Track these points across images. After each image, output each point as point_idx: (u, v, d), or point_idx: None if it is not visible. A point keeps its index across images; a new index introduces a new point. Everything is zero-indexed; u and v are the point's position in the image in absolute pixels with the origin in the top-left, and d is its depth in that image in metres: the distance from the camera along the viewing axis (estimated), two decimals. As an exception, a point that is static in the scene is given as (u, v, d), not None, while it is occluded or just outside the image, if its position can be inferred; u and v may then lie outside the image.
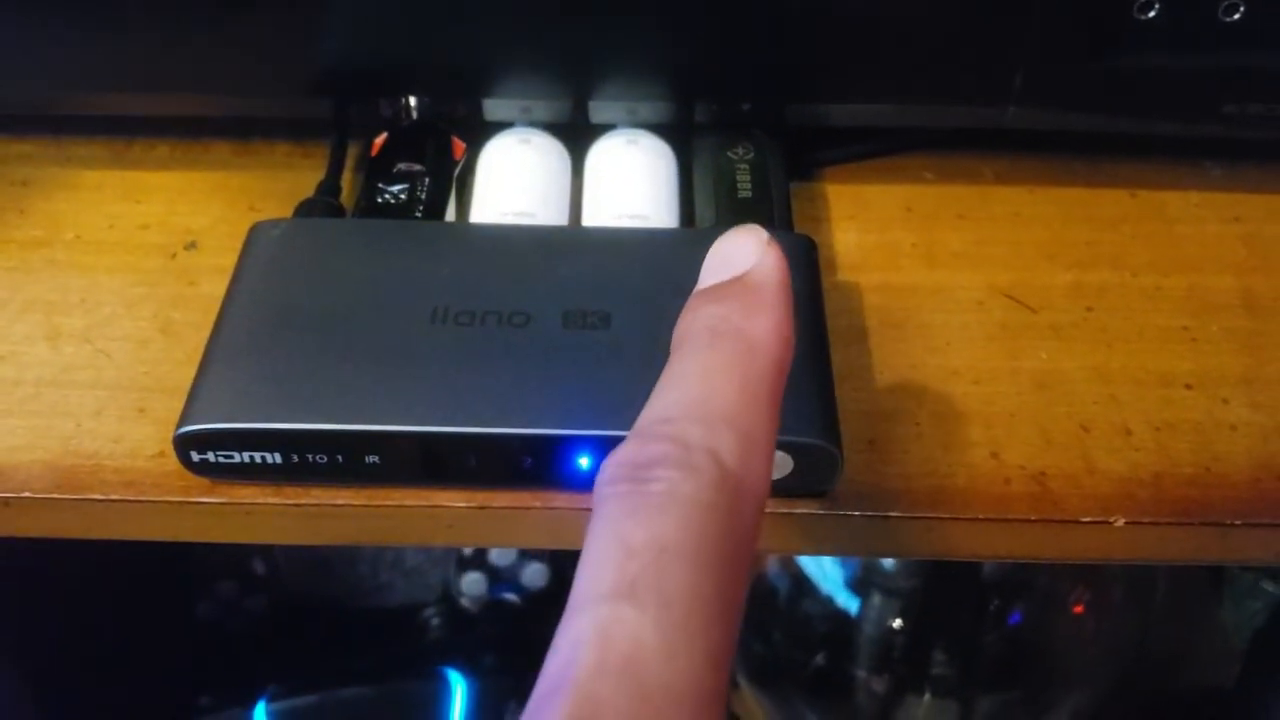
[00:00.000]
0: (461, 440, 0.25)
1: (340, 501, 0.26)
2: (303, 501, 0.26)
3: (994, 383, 0.29)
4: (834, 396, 0.26)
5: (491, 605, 0.58)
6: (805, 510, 0.26)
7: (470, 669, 0.53)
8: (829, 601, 0.51)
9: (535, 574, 0.58)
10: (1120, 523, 0.26)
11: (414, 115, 0.33)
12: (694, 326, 0.20)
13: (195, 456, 0.26)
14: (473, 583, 0.57)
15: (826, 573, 0.51)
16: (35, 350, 0.29)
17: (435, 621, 0.56)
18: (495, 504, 0.26)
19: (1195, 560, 0.28)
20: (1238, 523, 0.26)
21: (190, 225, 0.33)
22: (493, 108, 0.33)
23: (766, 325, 0.20)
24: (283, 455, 0.26)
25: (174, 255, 0.32)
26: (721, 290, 0.21)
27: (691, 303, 0.21)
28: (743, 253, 0.21)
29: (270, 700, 0.52)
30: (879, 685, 0.50)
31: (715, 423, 0.18)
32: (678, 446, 0.18)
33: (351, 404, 0.25)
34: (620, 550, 0.16)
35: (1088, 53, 0.31)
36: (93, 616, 0.51)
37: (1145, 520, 0.26)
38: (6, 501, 0.27)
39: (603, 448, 0.25)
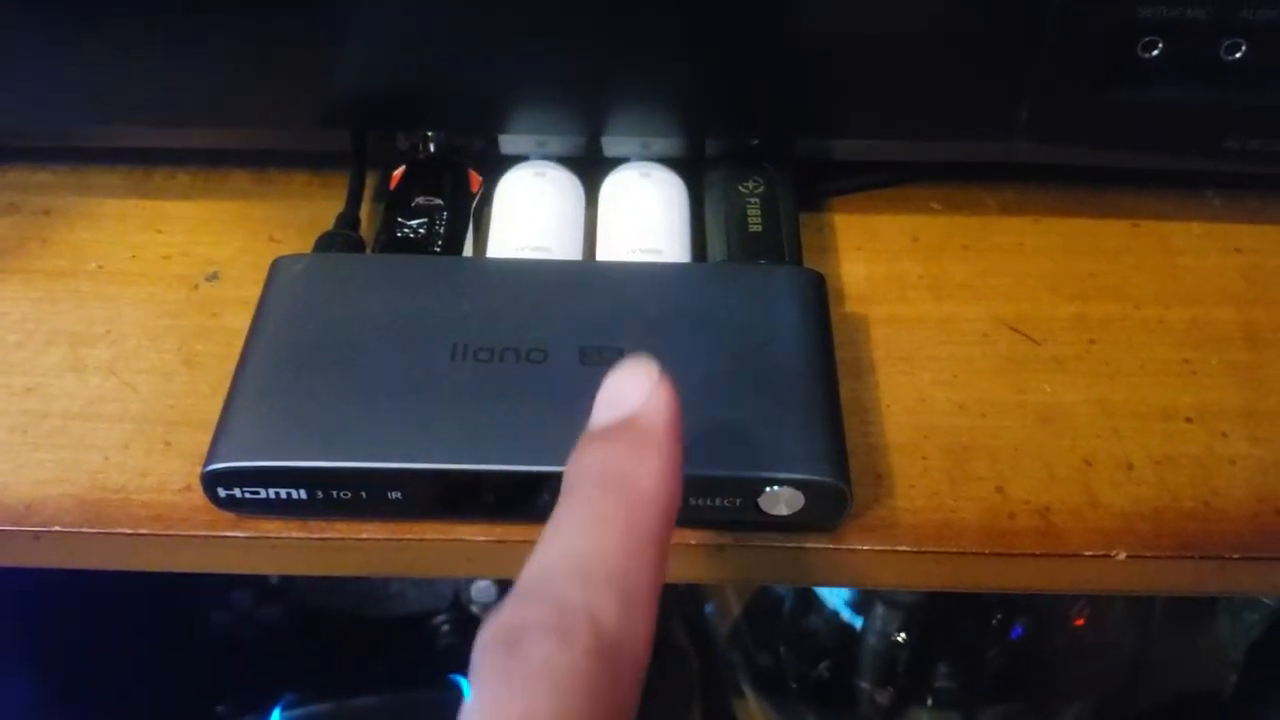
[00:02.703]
0: (481, 478, 0.26)
1: (363, 535, 0.27)
2: (327, 535, 0.27)
3: (1000, 416, 0.30)
4: (843, 432, 0.27)
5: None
6: (814, 545, 0.27)
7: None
8: (833, 614, 0.52)
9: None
10: (1121, 556, 0.27)
11: (430, 148, 0.34)
12: (582, 471, 0.20)
13: (222, 493, 0.26)
14: (482, 591, 0.58)
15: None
16: (62, 382, 0.30)
17: (446, 629, 0.57)
18: (513, 538, 0.27)
19: (1194, 592, 0.29)
20: (1236, 556, 0.27)
21: (212, 255, 0.34)
22: (508, 142, 0.33)
23: (654, 471, 0.20)
24: (308, 491, 0.26)
25: (196, 286, 0.33)
26: (611, 432, 0.21)
27: (581, 443, 0.21)
28: (633, 390, 0.21)
29: (286, 708, 0.53)
30: (882, 697, 0.51)
31: (597, 582, 0.18)
32: (555, 610, 0.17)
33: (375, 442, 0.26)
34: None
35: (1092, 89, 0.31)
36: (110, 626, 0.52)
37: (1146, 554, 0.27)
38: (36, 535, 0.27)
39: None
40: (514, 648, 0.17)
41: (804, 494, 0.26)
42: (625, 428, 0.21)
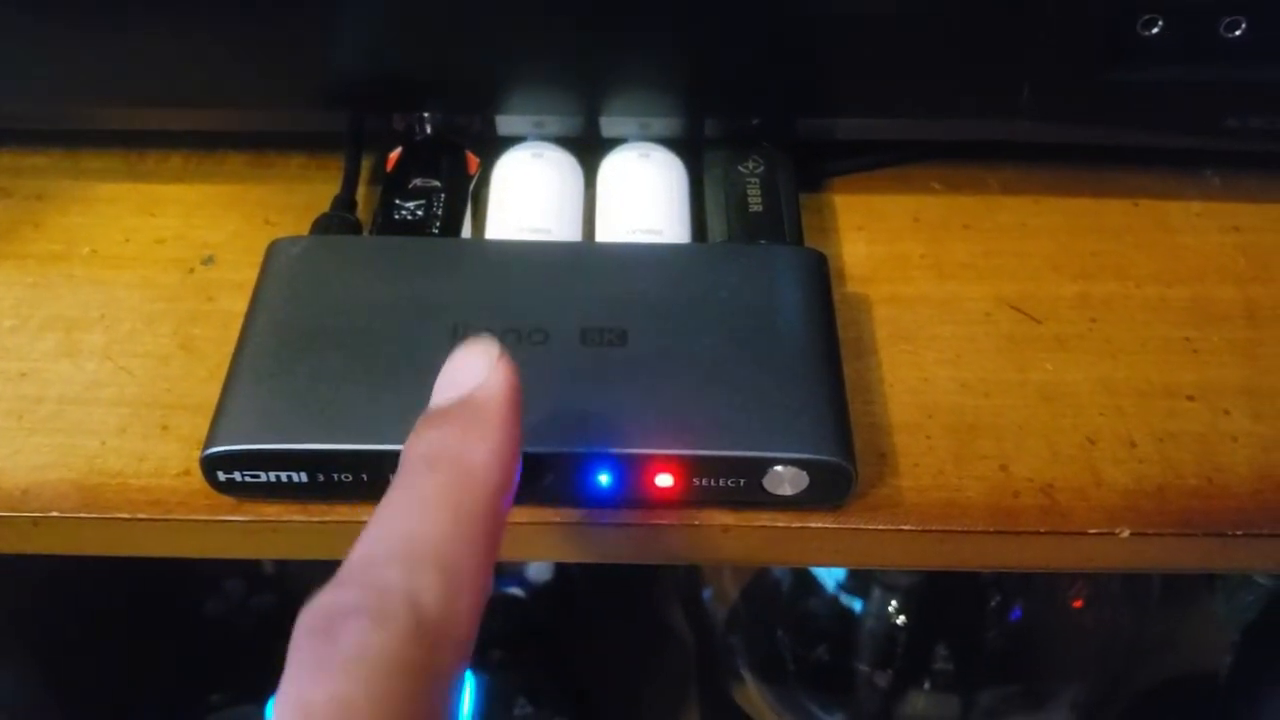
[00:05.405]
0: (484, 459, 0.26)
1: (364, 518, 0.26)
2: (328, 519, 0.27)
3: (1003, 395, 0.30)
4: (848, 411, 0.27)
5: (497, 600, 0.58)
6: (819, 524, 0.27)
7: (477, 663, 0.54)
8: (832, 598, 0.52)
9: (540, 569, 0.59)
10: (1125, 534, 0.27)
11: (428, 130, 0.33)
12: (413, 453, 0.20)
13: (222, 477, 0.26)
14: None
15: (830, 569, 0.52)
16: (57, 367, 0.30)
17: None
18: (516, 519, 0.27)
19: (1198, 569, 0.29)
20: (1239, 533, 0.27)
21: (207, 239, 0.33)
22: (506, 122, 0.33)
23: (486, 450, 0.19)
24: (308, 474, 0.26)
25: (192, 270, 0.32)
26: (444, 414, 0.20)
27: (416, 427, 0.21)
28: (469, 371, 0.21)
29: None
30: (881, 679, 0.51)
31: (417, 563, 0.18)
32: (373, 593, 0.17)
33: (375, 424, 0.26)
34: (299, 712, 0.16)
35: (1093, 68, 0.31)
36: (105, 614, 0.51)
37: (1150, 531, 0.27)
38: (35, 521, 0.27)
39: (621, 465, 0.26)
40: (329, 633, 0.17)
41: (808, 473, 0.26)
42: (458, 409, 0.20)
